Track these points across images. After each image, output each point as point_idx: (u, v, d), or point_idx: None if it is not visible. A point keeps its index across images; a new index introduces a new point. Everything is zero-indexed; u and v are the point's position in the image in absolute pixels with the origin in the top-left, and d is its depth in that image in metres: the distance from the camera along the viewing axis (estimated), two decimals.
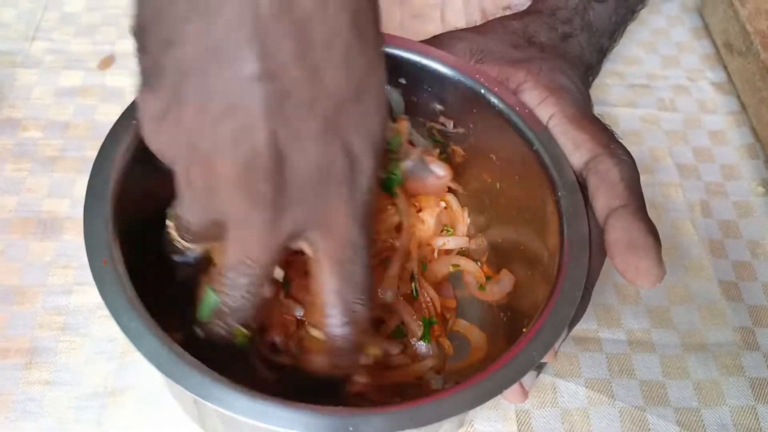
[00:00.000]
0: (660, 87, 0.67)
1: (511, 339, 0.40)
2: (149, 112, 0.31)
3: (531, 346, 0.33)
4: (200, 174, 0.30)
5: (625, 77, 0.67)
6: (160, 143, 0.31)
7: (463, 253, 0.48)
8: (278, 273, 0.35)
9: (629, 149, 0.40)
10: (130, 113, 0.38)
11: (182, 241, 0.36)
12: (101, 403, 0.45)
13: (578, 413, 0.47)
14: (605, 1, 0.51)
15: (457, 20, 0.68)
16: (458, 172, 0.47)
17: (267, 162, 0.29)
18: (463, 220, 0.48)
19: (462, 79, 0.43)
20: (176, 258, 0.37)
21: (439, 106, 0.45)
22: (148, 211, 0.42)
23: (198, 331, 0.35)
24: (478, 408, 0.31)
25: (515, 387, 0.36)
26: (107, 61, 0.63)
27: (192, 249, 0.36)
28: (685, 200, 0.59)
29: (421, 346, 0.43)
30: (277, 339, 0.39)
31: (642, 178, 0.39)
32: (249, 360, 0.37)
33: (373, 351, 0.38)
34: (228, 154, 0.29)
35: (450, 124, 0.46)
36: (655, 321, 0.51)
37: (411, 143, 0.47)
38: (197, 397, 0.30)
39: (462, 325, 0.46)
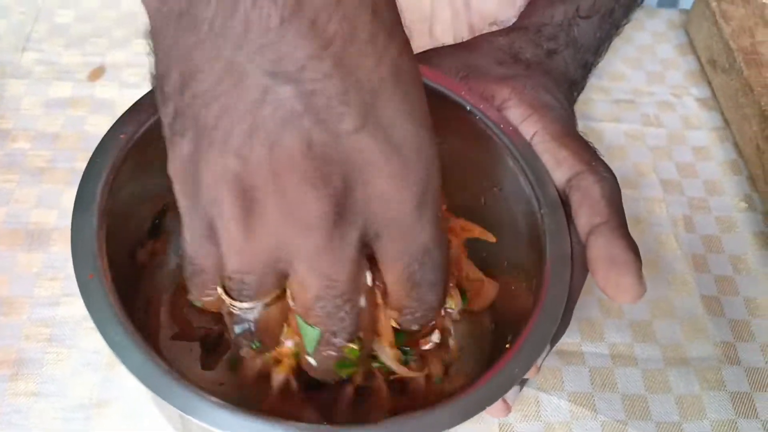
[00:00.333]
0: (645, 103, 0.68)
1: (495, 349, 0.40)
2: (179, 158, 0.29)
3: (513, 362, 0.33)
4: (243, 210, 0.28)
5: (611, 93, 0.68)
6: (197, 190, 0.29)
7: None
8: (367, 278, 0.33)
9: (614, 164, 0.41)
10: (119, 125, 0.39)
11: (239, 305, 0.32)
12: (87, 414, 0.45)
13: (561, 427, 0.47)
14: (590, 18, 0.52)
15: (445, 35, 0.69)
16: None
17: (306, 170, 0.27)
18: None
19: (448, 95, 0.44)
20: (237, 329, 0.33)
21: None
22: (137, 225, 0.42)
23: (310, 361, 0.33)
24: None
25: (498, 402, 0.36)
26: (97, 73, 0.63)
27: (250, 309, 0.32)
28: (668, 215, 0.59)
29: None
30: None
31: (626, 193, 0.40)
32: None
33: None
34: (266, 174, 0.27)
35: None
36: (638, 335, 0.52)
37: None
38: (182, 413, 0.30)
39: None
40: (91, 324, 0.32)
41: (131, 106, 0.39)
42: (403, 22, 0.29)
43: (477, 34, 0.53)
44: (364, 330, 0.33)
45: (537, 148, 0.41)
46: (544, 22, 0.51)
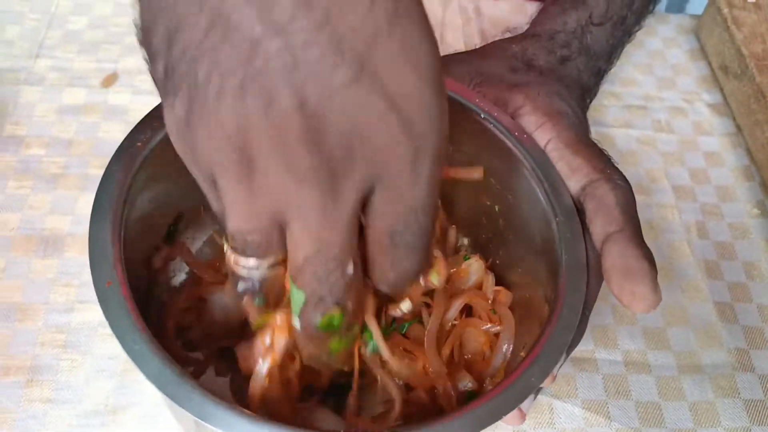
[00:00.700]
0: (656, 108, 0.68)
1: (511, 358, 0.40)
2: (174, 118, 0.28)
3: (529, 371, 0.33)
4: (241, 167, 0.27)
5: (622, 98, 0.68)
6: (194, 149, 0.28)
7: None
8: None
9: (625, 170, 0.41)
10: (135, 133, 0.39)
11: (245, 261, 0.32)
12: (102, 420, 0.45)
13: None
14: (602, 25, 0.52)
15: (457, 42, 0.69)
16: (454, 198, 0.47)
17: (301, 128, 0.26)
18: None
19: (462, 102, 0.44)
20: (242, 287, 0.34)
21: None
22: (152, 232, 0.42)
23: (296, 323, 0.33)
24: None
25: (513, 410, 0.36)
26: (110, 79, 0.64)
27: (256, 268, 0.32)
28: (681, 222, 0.59)
29: None
30: None
31: (638, 199, 0.40)
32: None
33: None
34: (262, 132, 0.26)
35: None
36: (651, 342, 0.52)
37: None
38: (199, 420, 0.31)
39: None
40: (105, 330, 0.33)
41: (147, 114, 0.39)
42: None
43: (488, 41, 0.54)
44: (351, 300, 0.32)
45: (551, 155, 0.41)
46: (556, 29, 0.51)
